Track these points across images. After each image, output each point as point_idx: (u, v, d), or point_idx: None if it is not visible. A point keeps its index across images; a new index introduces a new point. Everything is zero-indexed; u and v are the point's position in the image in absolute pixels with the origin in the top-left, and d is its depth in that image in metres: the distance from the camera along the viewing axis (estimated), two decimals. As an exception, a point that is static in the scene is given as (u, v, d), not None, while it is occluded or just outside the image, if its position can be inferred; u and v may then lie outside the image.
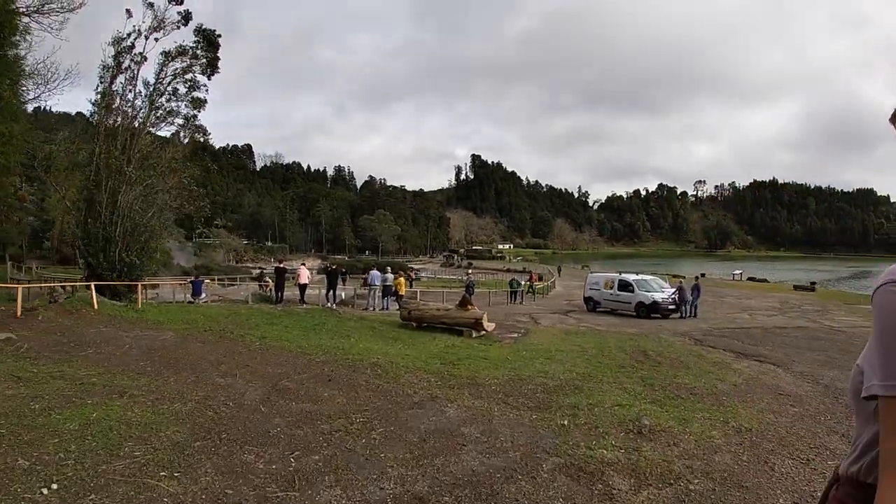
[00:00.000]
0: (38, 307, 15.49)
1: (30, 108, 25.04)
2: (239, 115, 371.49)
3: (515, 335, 17.86)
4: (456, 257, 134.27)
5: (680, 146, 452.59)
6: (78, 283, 18.70)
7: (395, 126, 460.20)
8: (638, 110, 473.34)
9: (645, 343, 15.33)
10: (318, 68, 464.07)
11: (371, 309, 24.70)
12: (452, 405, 7.70)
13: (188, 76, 21.79)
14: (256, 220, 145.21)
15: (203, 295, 23.76)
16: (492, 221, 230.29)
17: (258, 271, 52.39)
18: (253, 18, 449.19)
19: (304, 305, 23.14)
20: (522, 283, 38.06)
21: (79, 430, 5.94)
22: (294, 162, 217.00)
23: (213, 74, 22.43)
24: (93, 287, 16.54)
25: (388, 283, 25.30)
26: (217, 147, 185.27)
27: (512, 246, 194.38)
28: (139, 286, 18.72)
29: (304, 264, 25.66)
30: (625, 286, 26.67)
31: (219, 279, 50.64)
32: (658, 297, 25.33)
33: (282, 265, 24.58)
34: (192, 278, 24.98)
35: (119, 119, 20.70)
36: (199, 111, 22.33)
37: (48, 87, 21.80)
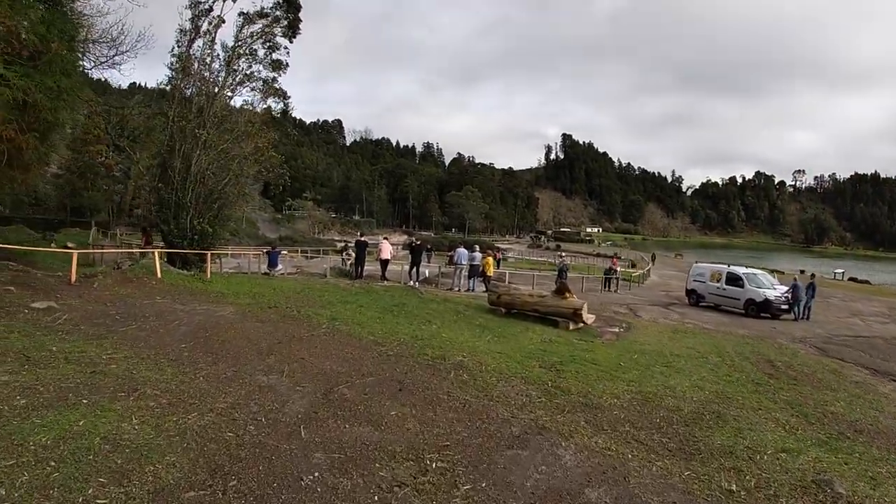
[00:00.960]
0: (98, 274, 14.42)
1: (99, 74, 24.52)
2: (329, 91, 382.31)
3: (617, 330, 15.69)
4: (543, 238, 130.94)
5: (776, 133, 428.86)
6: (143, 250, 17.64)
7: (484, 104, 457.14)
8: (733, 93, 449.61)
9: (765, 349, 13.40)
10: (408, 46, 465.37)
11: (456, 289, 22.72)
12: (568, 444, 5.48)
13: (268, 38, 20.33)
14: (345, 193, 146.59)
15: (279, 266, 22.49)
16: (581, 203, 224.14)
17: (342, 244, 51.61)
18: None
19: (385, 282, 21.42)
20: (618, 270, 35.10)
21: (47, 449, 4.36)
22: (383, 137, 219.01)
23: (294, 36, 20.89)
24: (155, 254, 15.34)
25: (475, 263, 23.20)
26: (307, 122, 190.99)
27: (601, 230, 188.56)
28: (208, 255, 17.42)
29: (386, 238, 23.83)
30: (733, 280, 23.49)
31: (302, 251, 50.50)
32: (770, 294, 22.34)
33: (363, 238, 22.87)
34: (269, 249, 23.72)
35: (195, 82, 19.50)
36: (279, 74, 20.88)
37: (119, 49, 21.10)
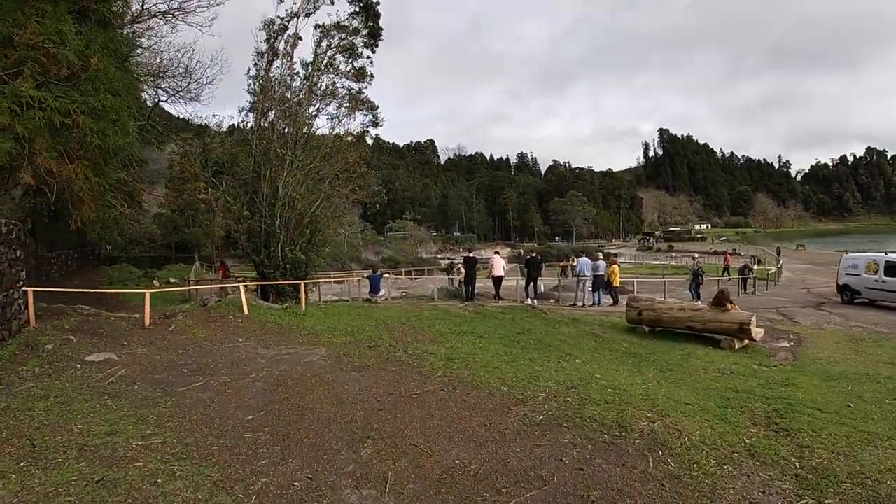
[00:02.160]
0: (178, 314, 12.76)
1: (183, 110, 23.88)
2: (419, 112, 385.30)
3: (786, 344, 12.90)
4: (652, 240, 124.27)
5: (883, 104, 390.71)
6: (229, 284, 15.95)
7: (575, 108, 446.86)
8: (832, 67, 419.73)
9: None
10: (491, 59, 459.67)
11: (580, 304, 19.79)
12: None
13: (348, 49, 18.55)
14: (444, 211, 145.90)
15: (382, 291, 20.38)
16: (686, 199, 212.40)
17: (447, 262, 49.61)
18: (424, 17, 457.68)
19: (500, 302, 18.85)
20: (755, 268, 30.63)
21: None
22: (477, 152, 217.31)
23: (376, 45, 18.99)
24: (241, 289, 13.50)
25: (599, 273, 20.17)
26: (401, 145, 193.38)
27: (710, 226, 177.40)
28: (301, 285, 15.48)
29: (497, 253, 21.14)
30: (894, 270, 19.15)
31: (406, 272, 48.85)
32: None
33: (472, 255, 20.32)
34: (369, 273, 21.73)
35: (277, 104, 17.88)
36: (364, 84, 18.95)
37: (192, 77, 20.17)
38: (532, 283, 20.10)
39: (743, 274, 27.88)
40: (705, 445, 5.23)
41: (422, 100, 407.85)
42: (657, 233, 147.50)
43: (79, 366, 8.26)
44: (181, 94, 22.30)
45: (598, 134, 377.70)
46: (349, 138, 19.01)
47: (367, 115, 19.24)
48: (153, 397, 6.92)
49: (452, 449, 5.06)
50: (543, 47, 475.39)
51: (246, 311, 13.13)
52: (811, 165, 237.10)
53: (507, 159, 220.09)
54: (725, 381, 8.81)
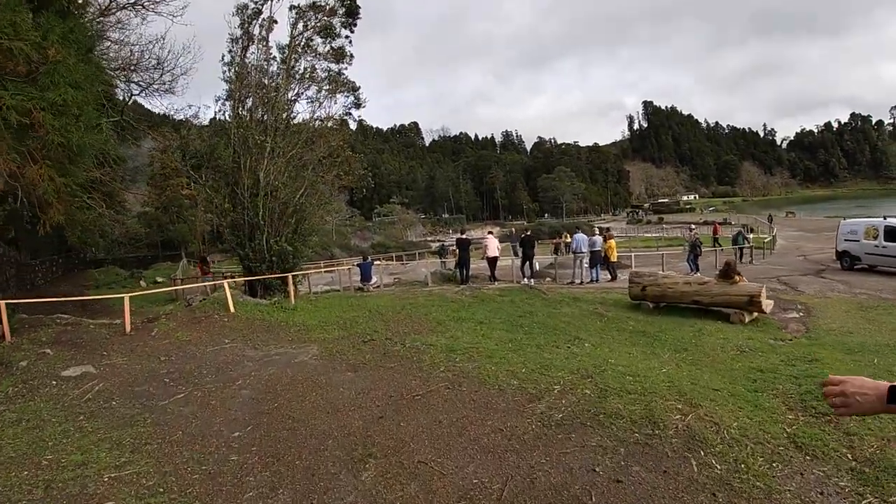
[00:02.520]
0: (161, 316, 12.13)
1: (159, 104, 22.96)
2: (402, 97, 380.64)
3: (795, 314, 12.52)
4: (641, 213, 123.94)
5: (866, 70, 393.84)
6: (220, 282, 15.23)
7: (559, 84, 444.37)
8: (815, 34, 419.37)
9: None
10: (474, 41, 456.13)
11: (578, 282, 19.27)
12: None
13: (325, 28, 17.71)
14: (431, 193, 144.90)
15: (374, 279, 19.77)
16: (672, 171, 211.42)
17: (437, 245, 48.98)
18: (406, 3, 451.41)
19: (496, 283, 18.30)
20: (750, 237, 29.95)
21: None
22: (461, 133, 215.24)
23: (354, 24, 18.12)
24: (226, 286, 12.83)
25: (596, 249, 19.61)
26: (384, 129, 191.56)
27: (697, 196, 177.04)
28: (289, 278, 14.80)
29: (491, 233, 20.51)
30: (894, 234, 18.72)
31: (396, 256, 48.21)
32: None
33: (464, 236, 19.67)
34: (360, 260, 21.08)
35: (254, 90, 17.05)
36: (343, 65, 18.13)
37: (165, 68, 19.30)
38: (528, 262, 19.53)
39: (737, 243, 27.25)
40: (747, 439, 4.66)
41: (405, 85, 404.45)
42: (646, 205, 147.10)
43: (54, 382, 7.67)
44: (155, 86, 21.43)
45: (583, 109, 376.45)
46: (330, 122, 18.24)
47: (348, 96, 18.46)
48: (131, 415, 6.32)
49: (468, 464, 4.43)
50: (526, 24, 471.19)
51: (232, 309, 12.48)
52: (796, 133, 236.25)
53: (493, 138, 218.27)
54: (746, 359, 8.32)
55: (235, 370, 7.96)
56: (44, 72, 9.29)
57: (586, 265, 19.61)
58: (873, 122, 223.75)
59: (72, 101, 9.39)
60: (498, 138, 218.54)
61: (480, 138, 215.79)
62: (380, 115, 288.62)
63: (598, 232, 20.79)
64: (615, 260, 20.59)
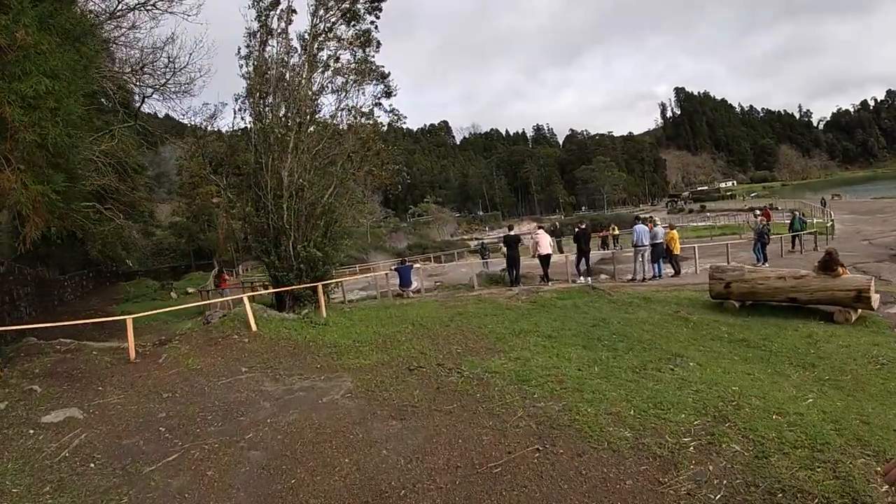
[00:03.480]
0: (175, 337, 10.62)
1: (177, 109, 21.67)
2: (431, 98, 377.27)
3: None
4: (681, 202, 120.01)
5: None
6: (239, 297, 13.50)
7: (588, 77, 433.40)
8: (845, 12, 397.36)
9: None
10: (502, 37, 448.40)
11: (639, 278, 17.21)
12: None
13: (347, 13, 16.03)
14: (465, 191, 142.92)
15: (414, 284, 17.97)
16: (709, 158, 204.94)
17: (476, 243, 47.11)
18: (429, 2, 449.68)
19: (550, 284, 16.36)
20: (807, 222, 26.79)
21: None
22: (492, 129, 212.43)
23: (379, 10, 16.37)
24: (246, 301, 11.13)
25: (658, 241, 17.49)
26: (415, 129, 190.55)
27: (735, 182, 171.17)
28: (319, 288, 13.05)
29: (541, 228, 18.38)
30: None
31: (434, 257, 46.41)
32: None
33: (512, 232, 17.64)
34: (397, 264, 19.34)
35: (274, 85, 15.42)
36: (370, 51, 16.39)
37: (176, 66, 18.01)
38: (584, 259, 17.51)
39: (793, 229, 24.16)
40: None
41: (432, 85, 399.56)
42: (684, 194, 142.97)
43: (31, 432, 6.13)
44: (170, 87, 20.16)
45: (614, 101, 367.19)
46: (361, 118, 16.51)
47: (377, 84, 16.72)
48: (106, 487, 4.71)
49: None
50: (553, 19, 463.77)
51: (254, 327, 10.82)
52: (832, 113, 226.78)
53: (524, 133, 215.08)
54: (893, 375, 6.42)
55: (248, 415, 6.22)
56: (12, 59, 7.69)
57: (648, 259, 17.50)
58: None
59: (47, 93, 7.76)
60: (529, 133, 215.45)
61: (511, 134, 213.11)
62: (410, 115, 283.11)
63: (658, 223, 18.52)
64: (678, 253, 18.42)
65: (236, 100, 16.14)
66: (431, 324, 10.48)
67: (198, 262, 45.85)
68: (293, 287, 13.83)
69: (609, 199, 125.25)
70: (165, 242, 47.29)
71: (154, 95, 20.77)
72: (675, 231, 18.80)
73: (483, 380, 6.57)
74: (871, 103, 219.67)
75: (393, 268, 19.17)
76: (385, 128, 17.44)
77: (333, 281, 15.66)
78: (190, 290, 29.46)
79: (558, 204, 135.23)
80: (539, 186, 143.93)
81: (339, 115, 16.13)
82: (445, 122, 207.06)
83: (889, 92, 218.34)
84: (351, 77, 16.36)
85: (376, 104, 16.83)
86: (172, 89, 20.72)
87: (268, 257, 14.64)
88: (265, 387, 7.34)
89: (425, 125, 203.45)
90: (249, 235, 15.42)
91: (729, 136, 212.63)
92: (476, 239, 77.54)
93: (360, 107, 16.48)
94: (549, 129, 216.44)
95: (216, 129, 18.77)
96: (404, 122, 17.05)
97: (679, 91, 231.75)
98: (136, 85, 19.88)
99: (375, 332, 10.20)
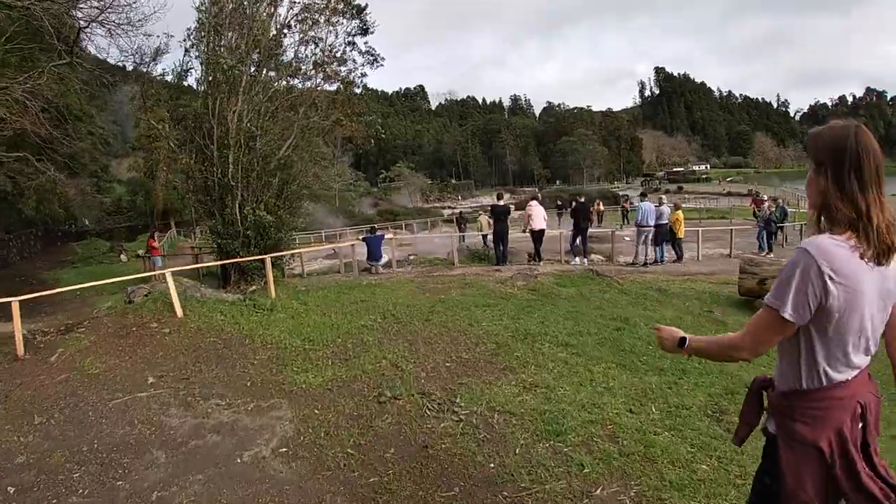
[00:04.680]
0: (83, 323, 8.25)
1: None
2: (409, 62, 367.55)
3: None
4: (656, 182, 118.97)
5: (880, 46, 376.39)
6: (161, 272, 10.75)
7: (570, 50, 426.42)
8: (829, 7, 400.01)
9: None
10: (486, 4, 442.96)
11: (641, 262, 15.16)
12: None
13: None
14: (438, 157, 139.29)
15: (384, 258, 15.50)
16: (684, 140, 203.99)
17: (451, 212, 44.65)
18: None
19: (542, 264, 14.18)
20: (788, 212, 23.34)
21: None
22: (469, 96, 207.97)
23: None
24: (169, 278, 8.63)
25: (662, 222, 15.37)
26: (390, 92, 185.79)
27: (708, 166, 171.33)
28: (267, 262, 10.52)
29: (536, 198, 15.85)
30: None
31: (406, 224, 43.89)
32: None
33: (502, 203, 15.09)
34: (365, 233, 16.85)
35: (230, 15, 12.61)
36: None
37: None
38: (581, 238, 15.30)
39: (769, 225, 20.17)
40: None
41: (410, 48, 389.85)
42: (659, 174, 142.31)
43: None
44: (113, 20, 17.24)
45: (593, 76, 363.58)
46: (331, 60, 13.85)
47: (351, 19, 14.06)
48: None
49: None
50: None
51: (179, 312, 8.39)
52: (810, 105, 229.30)
53: (500, 102, 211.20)
54: None
55: (129, 477, 3.95)
56: None
57: (650, 240, 15.40)
58: (888, 98, 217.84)
59: None
60: (506, 103, 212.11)
61: (488, 102, 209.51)
62: (385, 79, 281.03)
63: (664, 201, 16.37)
64: (682, 236, 16.35)
65: (188, 36, 13.37)
66: (407, 316, 8.16)
67: (162, 221, 42.62)
68: (238, 259, 11.30)
69: (590, 174, 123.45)
70: (125, 201, 44.03)
71: (98, 31, 17.86)
72: (680, 212, 16.66)
73: (494, 429, 4.29)
74: (850, 99, 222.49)
75: (361, 237, 16.65)
76: (362, 77, 14.74)
77: (287, 253, 13.05)
78: (141, 252, 26.57)
79: (533, 176, 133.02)
80: (514, 157, 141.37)
81: (303, 49, 13.44)
82: (421, 87, 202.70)
83: (868, 90, 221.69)
84: (321, 16, 13.65)
85: (349, 43, 14.22)
86: (116, 21, 17.79)
87: (211, 220, 12.14)
88: (169, 417, 5.00)
89: (400, 89, 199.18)
90: (190, 194, 12.83)
91: (706, 119, 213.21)
92: (449, 207, 75.05)
93: (332, 48, 13.85)
94: (525, 100, 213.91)
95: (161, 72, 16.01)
96: (382, 64, 14.33)
97: (659, 71, 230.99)
98: (67, 15, 16.83)
99: (334, 325, 7.82)
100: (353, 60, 14.25)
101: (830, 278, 1.58)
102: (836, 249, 1.60)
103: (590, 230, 17.53)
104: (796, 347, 1.70)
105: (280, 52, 13.28)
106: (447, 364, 5.95)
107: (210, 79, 12.15)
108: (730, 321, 8.69)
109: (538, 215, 14.42)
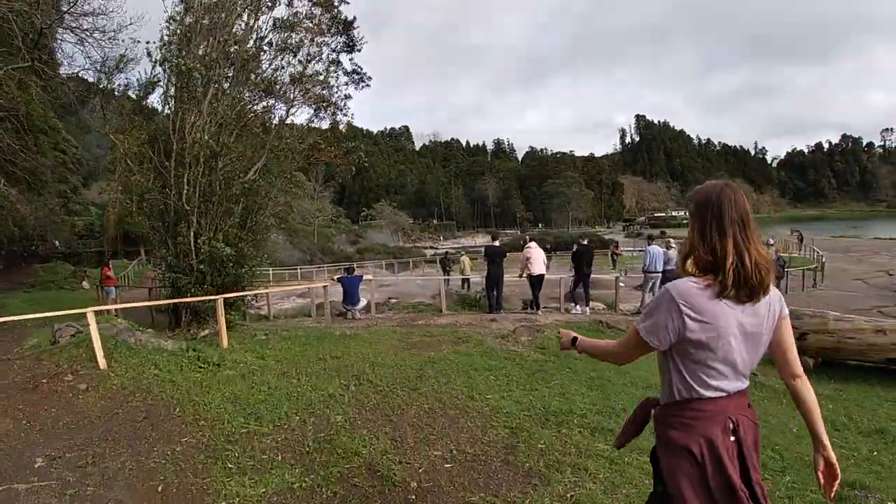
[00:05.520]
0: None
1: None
2: (394, 104, 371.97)
3: None
4: (637, 226, 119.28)
5: (856, 95, 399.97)
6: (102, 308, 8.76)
7: (552, 100, 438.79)
8: (807, 58, 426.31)
9: None
10: (470, 51, 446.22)
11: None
12: None
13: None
14: (421, 197, 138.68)
15: (362, 302, 13.76)
16: (663, 186, 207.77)
17: (433, 252, 42.93)
18: (405, 10, 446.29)
19: (540, 313, 12.55)
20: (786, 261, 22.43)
21: None
22: (453, 138, 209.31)
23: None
24: (91, 321, 6.78)
25: (669, 268, 13.84)
26: (375, 131, 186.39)
27: (687, 212, 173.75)
28: (219, 304, 8.69)
29: (534, 240, 14.09)
30: None
31: (387, 264, 42.01)
32: None
33: (497, 244, 13.36)
34: (341, 273, 15.14)
35: (201, 15, 11.05)
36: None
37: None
38: (583, 286, 13.67)
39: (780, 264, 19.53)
40: None
41: (398, 91, 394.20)
42: (640, 219, 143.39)
43: None
44: (83, 25, 15.84)
45: (575, 125, 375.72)
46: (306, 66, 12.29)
47: (336, 35, 12.59)
48: None
49: None
50: (524, 40, 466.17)
51: (102, 363, 6.58)
52: (787, 152, 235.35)
53: (484, 146, 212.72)
54: None
55: None
56: None
57: (658, 287, 13.85)
58: (864, 144, 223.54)
59: None
60: (490, 146, 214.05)
61: (472, 145, 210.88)
62: (371, 119, 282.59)
63: (672, 245, 14.89)
64: (692, 284, 14.83)
65: (161, 45, 11.73)
66: (389, 383, 6.41)
67: (128, 247, 40.38)
68: (187, 299, 9.47)
69: (575, 216, 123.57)
70: (97, 225, 41.96)
71: (69, 38, 16.43)
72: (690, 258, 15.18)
73: None
74: (826, 146, 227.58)
75: (336, 278, 14.86)
76: (345, 99, 13.17)
77: (246, 294, 11.15)
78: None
79: (515, 218, 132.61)
80: (497, 199, 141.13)
81: (279, 60, 11.83)
82: (406, 127, 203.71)
83: (844, 136, 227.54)
84: (303, 25, 12.16)
85: (334, 62, 12.72)
86: (87, 29, 16.35)
87: (165, 249, 10.36)
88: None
89: (385, 128, 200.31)
90: (143, 218, 11.04)
91: (685, 165, 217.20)
92: (431, 248, 73.42)
93: (310, 58, 12.28)
94: (509, 144, 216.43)
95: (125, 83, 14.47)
96: (368, 84, 12.82)
97: (640, 118, 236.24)
98: (33, 13, 15.28)
99: (293, 394, 6.02)
100: (337, 77, 12.79)
101: (689, 316, 1.75)
102: (695, 290, 1.77)
103: (619, 277, 16.14)
104: (668, 367, 1.87)
105: (256, 66, 11.72)
106: (447, 465, 4.20)
107: (175, 87, 10.56)
108: (777, 385, 7.13)
109: (538, 258, 12.74)
